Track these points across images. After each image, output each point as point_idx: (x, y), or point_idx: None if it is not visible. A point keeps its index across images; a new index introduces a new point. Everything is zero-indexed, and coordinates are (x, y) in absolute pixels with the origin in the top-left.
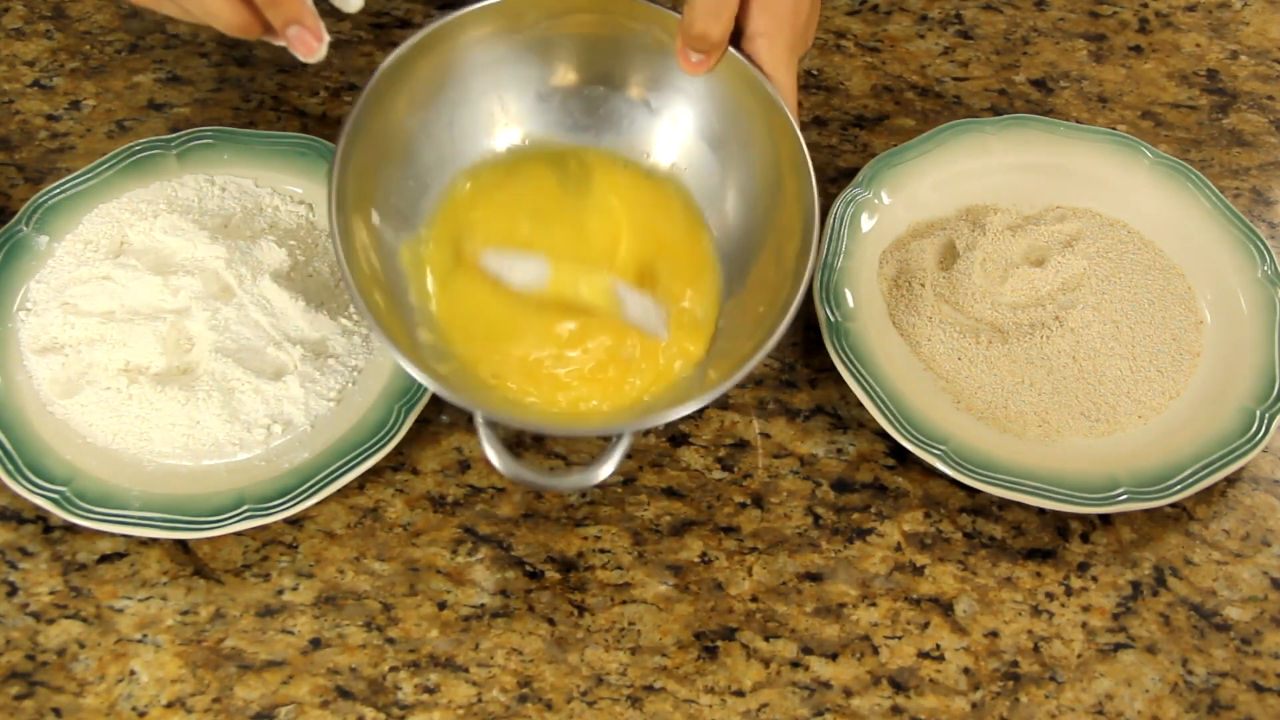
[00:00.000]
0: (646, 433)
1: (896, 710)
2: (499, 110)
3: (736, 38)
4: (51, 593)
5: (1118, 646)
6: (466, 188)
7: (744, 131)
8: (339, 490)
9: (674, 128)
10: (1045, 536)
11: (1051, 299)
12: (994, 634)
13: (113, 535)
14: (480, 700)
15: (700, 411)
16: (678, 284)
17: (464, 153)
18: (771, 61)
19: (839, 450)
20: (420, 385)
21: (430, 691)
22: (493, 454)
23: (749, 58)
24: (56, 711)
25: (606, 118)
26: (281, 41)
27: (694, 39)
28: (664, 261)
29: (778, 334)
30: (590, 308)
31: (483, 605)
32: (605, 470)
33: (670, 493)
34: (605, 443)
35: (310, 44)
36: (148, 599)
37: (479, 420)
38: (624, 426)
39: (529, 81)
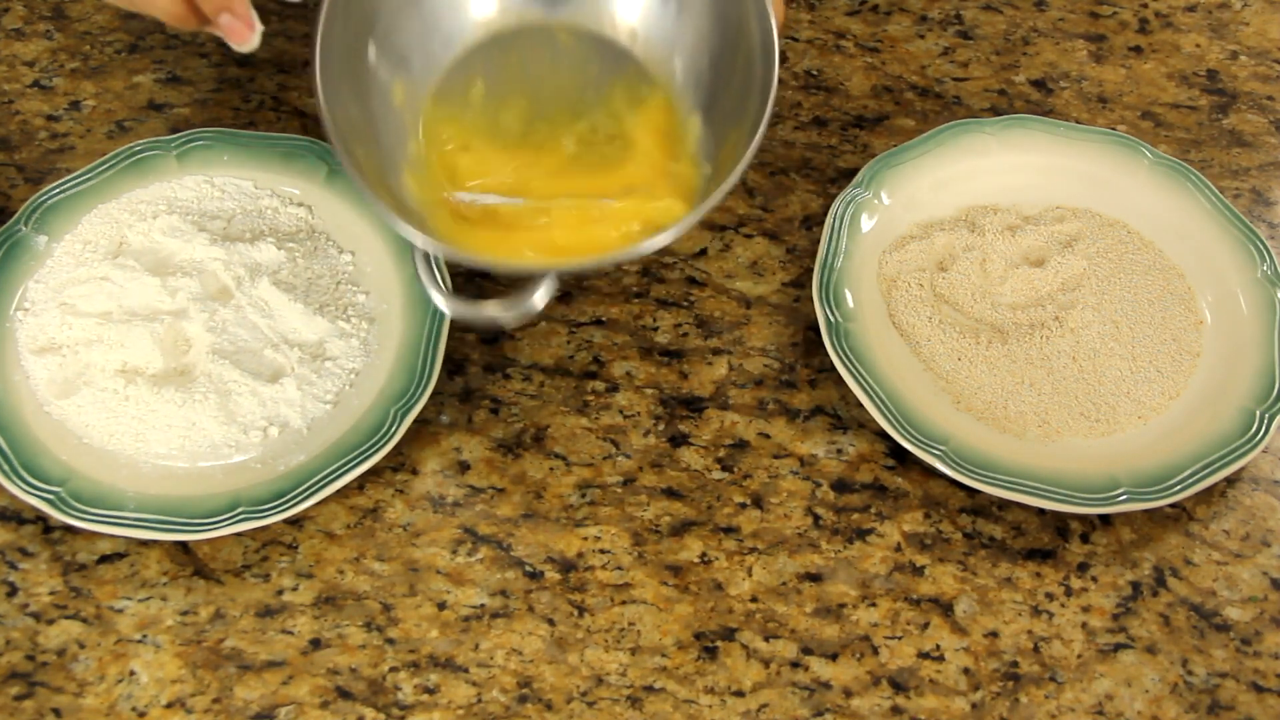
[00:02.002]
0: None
1: (896, 710)
2: None
3: None
4: (51, 593)
5: (1118, 647)
6: (478, 85)
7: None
8: (338, 491)
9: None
10: (1045, 537)
11: (1051, 299)
12: (994, 634)
13: (110, 536)
14: (480, 700)
15: (697, 415)
16: (656, 159)
17: (463, 14)
18: None
19: (839, 450)
20: (417, 389)
21: (430, 692)
22: (433, 291)
23: None
24: (56, 712)
25: None
26: (218, 32)
27: None
28: (639, 152)
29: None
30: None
31: (482, 605)
32: (539, 298)
33: (670, 493)
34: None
35: (242, 32)
36: (148, 599)
37: (417, 253)
38: (563, 267)
39: None
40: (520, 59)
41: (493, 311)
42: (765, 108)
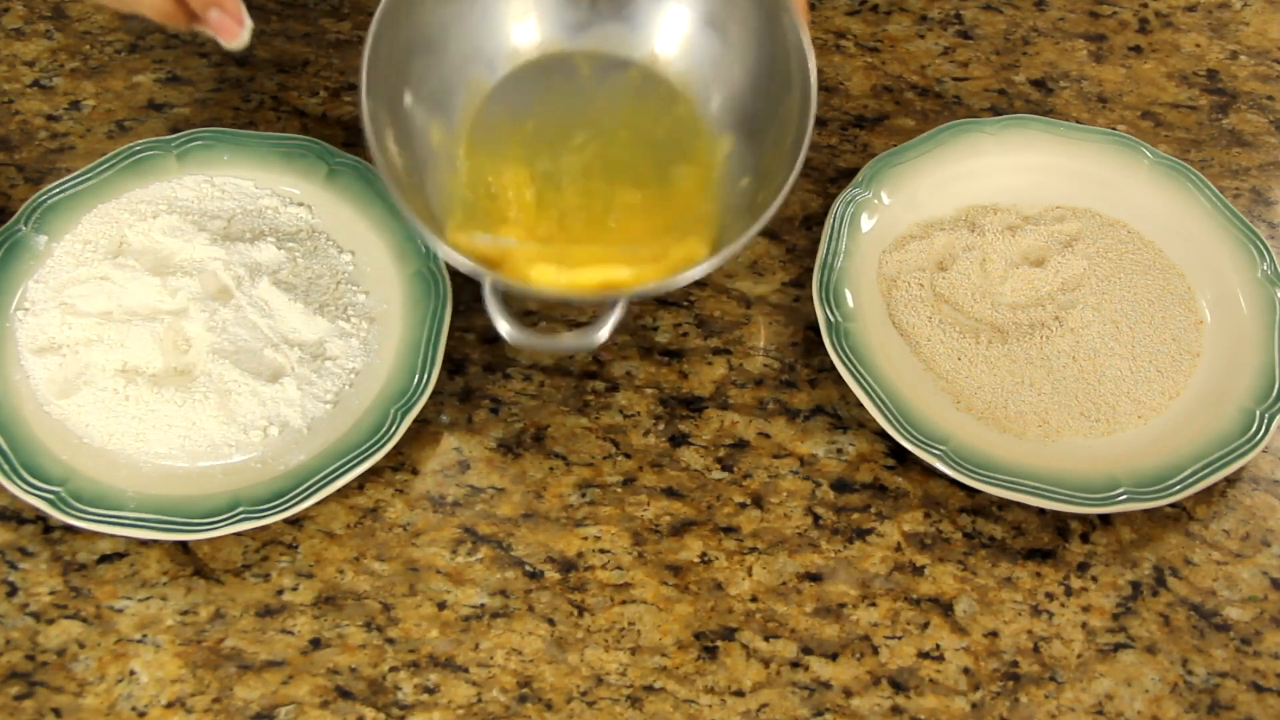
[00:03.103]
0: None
1: (896, 710)
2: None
3: None
4: (51, 593)
5: (1118, 646)
6: (511, 120)
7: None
8: (338, 491)
9: (676, 21)
10: (1045, 536)
11: (1051, 299)
12: (994, 634)
13: (110, 536)
14: (480, 700)
15: (700, 411)
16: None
17: (490, 52)
18: None
19: (839, 450)
20: (417, 389)
21: (430, 691)
22: (501, 322)
23: None
24: (56, 711)
25: (614, 14)
26: (208, 30)
27: None
28: (664, 180)
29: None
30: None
31: (482, 605)
32: (605, 329)
33: (670, 493)
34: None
35: (232, 28)
36: (148, 599)
37: (487, 289)
38: (626, 292)
39: None
40: (547, 89)
41: (564, 342)
42: (808, 113)
